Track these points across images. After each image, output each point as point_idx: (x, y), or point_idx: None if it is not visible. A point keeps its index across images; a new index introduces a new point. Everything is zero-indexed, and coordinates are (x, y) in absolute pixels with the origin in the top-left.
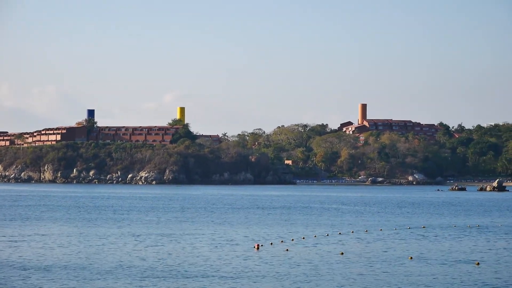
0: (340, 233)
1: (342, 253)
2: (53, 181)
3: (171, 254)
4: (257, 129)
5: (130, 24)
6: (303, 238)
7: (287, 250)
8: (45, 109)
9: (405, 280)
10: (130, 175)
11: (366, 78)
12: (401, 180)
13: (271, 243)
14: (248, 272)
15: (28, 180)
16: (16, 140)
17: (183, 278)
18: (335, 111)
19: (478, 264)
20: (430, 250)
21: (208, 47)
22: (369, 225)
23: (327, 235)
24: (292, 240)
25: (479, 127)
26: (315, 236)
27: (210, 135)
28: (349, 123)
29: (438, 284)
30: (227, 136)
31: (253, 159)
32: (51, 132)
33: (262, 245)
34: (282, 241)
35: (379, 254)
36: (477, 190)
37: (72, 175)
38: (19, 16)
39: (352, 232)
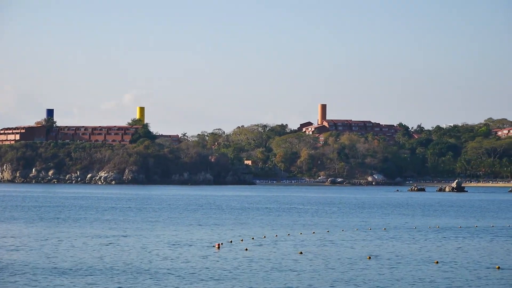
0: (301, 233)
1: (301, 253)
2: (11, 181)
3: (130, 253)
4: (216, 129)
5: (88, 23)
6: (264, 237)
7: (247, 249)
8: (3, 109)
9: (363, 279)
10: (89, 175)
11: (326, 79)
12: (361, 181)
13: (231, 241)
14: (208, 270)
15: None
16: None
17: (141, 277)
18: (295, 112)
19: (437, 262)
20: (390, 250)
21: (168, 46)
22: (330, 226)
23: (288, 235)
24: (253, 239)
25: (438, 128)
26: (276, 236)
27: (169, 135)
28: (309, 124)
29: (396, 283)
30: (187, 136)
31: (212, 159)
32: (10, 131)
33: (222, 244)
34: (242, 240)
35: (339, 253)
36: (436, 191)
37: (31, 174)
38: None
39: (314, 232)
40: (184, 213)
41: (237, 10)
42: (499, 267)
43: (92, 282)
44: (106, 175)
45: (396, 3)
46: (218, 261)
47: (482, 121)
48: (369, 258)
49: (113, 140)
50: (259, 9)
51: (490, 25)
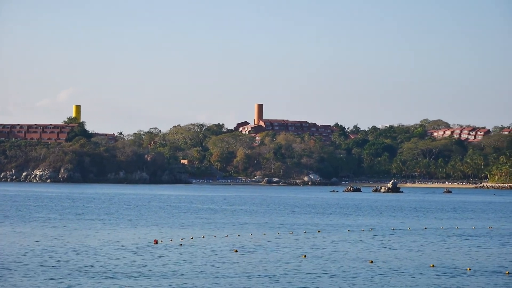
0: (239, 235)
1: (236, 251)
2: None
3: (67, 251)
4: (153, 128)
5: (23, 20)
6: (203, 237)
7: (181, 245)
8: None
9: (295, 276)
10: (24, 173)
11: (263, 78)
12: (297, 181)
13: (171, 240)
14: (144, 267)
15: None
16: None
17: (76, 274)
18: (231, 111)
19: (372, 262)
20: (323, 250)
21: (104, 44)
22: (267, 227)
23: (227, 236)
24: (192, 238)
25: (374, 128)
26: (214, 237)
27: (105, 134)
28: (245, 123)
29: (328, 281)
30: (123, 135)
31: (149, 158)
32: None
33: (161, 241)
34: (182, 240)
35: (275, 253)
36: (372, 191)
37: None
38: None
39: (251, 234)
40: (124, 210)
41: (173, 10)
42: (433, 265)
43: (27, 280)
44: (41, 173)
45: (330, 1)
46: (156, 256)
47: (418, 122)
48: (305, 256)
49: (49, 139)
50: (195, 9)
51: (426, 27)
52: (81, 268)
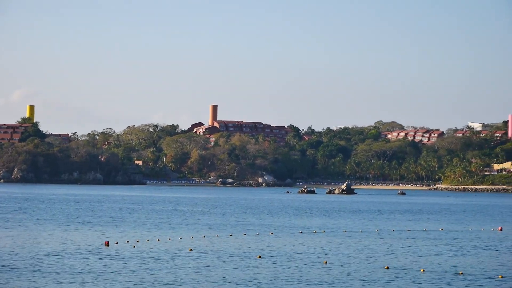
0: (192, 237)
1: (191, 249)
2: None
3: (19, 251)
4: (107, 128)
5: None
6: (158, 240)
7: (134, 246)
8: None
9: (251, 275)
10: None
11: (217, 79)
12: (251, 182)
13: (127, 241)
14: (96, 267)
15: None
16: None
17: (28, 272)
18: (185, 112)
19: (326, 263)
20: (277, 251)
21: (57, 44)
22: (220, 228)
23: (181, 238)
24: (148, 241)
25: (328, 130)
26: (169, 239)
27: (59, 134)
28: (200, 124)
29: (284, 282)
30: (77, 135)
31: (103, 159)
32: None
33: (117, 243)
34: (138, 241)
35: (230, 254)
36: (326, 193)
37: None
38: None
39: (204, 236)
40: (77, 211)
41: (122, 10)
42: (387, 267)
43: None
44: None
45: (284, 4)
46: (108, 257)
47: (372, 124)
48: (260, 257)
49: (2, 139)
50: (146, 9)
51: (378, 28)
52: (31, 269)
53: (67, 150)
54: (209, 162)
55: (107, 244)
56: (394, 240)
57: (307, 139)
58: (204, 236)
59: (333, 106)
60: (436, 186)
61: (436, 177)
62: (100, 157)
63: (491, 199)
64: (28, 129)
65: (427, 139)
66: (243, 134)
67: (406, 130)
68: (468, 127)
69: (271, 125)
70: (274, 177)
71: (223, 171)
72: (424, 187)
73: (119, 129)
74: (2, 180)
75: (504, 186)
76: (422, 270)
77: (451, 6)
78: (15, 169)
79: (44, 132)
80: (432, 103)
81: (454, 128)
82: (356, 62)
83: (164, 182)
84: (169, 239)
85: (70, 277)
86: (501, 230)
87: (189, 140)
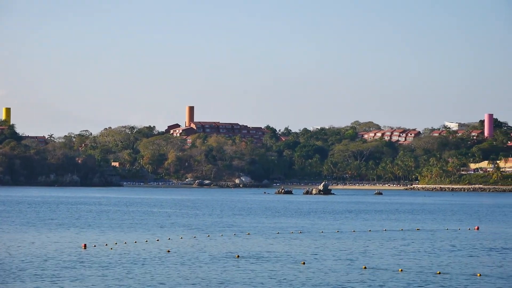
0: (169, 239)
1: (169, 251)
2: None
3: None
4: (84, 130)
5: None
6: (135, 242)
7: (111, 248)
8: None
9: (230, 275)
10: None
11: (194, 81)
12: (228, 183)
13: (106, 244)
14: (73, 270)
15: None
16: None
17: (6, 276)
18: (162, 113)
19: (304, 263)
20: (255, 251)
21: (33, 45)
22: (197, 229)
23: (158, 240)
24: (125, 243)
25: (305, 130)
26: (146, 241)
27: (36, 137)
28: (177, 126)
29: (263, 282)
30: (54, 137)
31: (79, 161)
32: None
33: (95, 246)
34: (116, 243)
35: (207, 254)
36: (303, 193)
37: None
38: None
39: (181, 238)
40: (54, 213)
41: (98, 10)
42: (365, 267)
43: None
44: None
45: (260, 5)
46: (85, 260)
47: (349, 124)
48: (238, 256)
49: None
50: (123, 10)
51: (355, 28)
52: (2, 274)
53: (43, 152)
54: (186, 164)
55: (85, 246)
56: (371, 240)
57: (284, 139)
58: (181, 237)
59: (310, 106)
60: (413, 186)
61: (413, 177)
62: (77, 159)
63: (468, 198)
64: (4, 131)
65: (403, 139)
66: (220, 135)
67: (382, 130)
68: (445, 127)
69: (248, 126)
70: (251, 178)
71: (200, 172)
72: (401, 187)
73: (95, 131)
74: None
75: (481, 186)
76: (400, 270)
77: (429, 5)
78: None
79: (20, 135)
80: (409, 103)
81: (430, 128)
82: (332, 63)
83: (141, 183)
84: (146, 241)
85: (48, 280)
86: (477, 229)
87: (166, 142)
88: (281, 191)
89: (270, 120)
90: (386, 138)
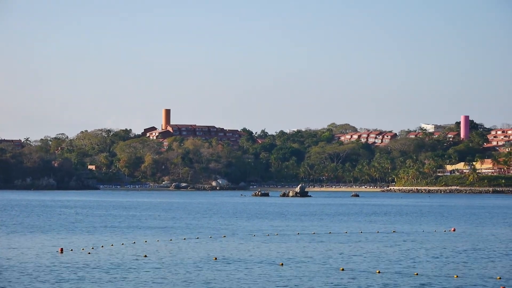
0: (146, 241)
1: (146, 256)
2: None
3: None
4: (60, 134)
5: None
6: (112, 245)
7: (89, 253)
8: None
9: (207, 278)
10: None
11: (170, 83)
12: (205, 185)
13: (83, 249)
14: (50, 275)
15: None
16: None
17: None
18: (138, 116)
19: (282, 264)
20: (232, 254)
21: (8, 48)
22: (173, 232)
23: (134, 243)
24: (102, 247)
25: (282, 133)
26: (122, 244)
27: (12, 140)
28: (153, 128)
29: (241, 284)
30: (30, 141)
31: (56, 164)
32: None
33: (72, 250)
34: (92, 248)
35: (185, 257)
36: (280, 196)
37: None
38: None
39: (158, 241)
40: (31, 217)
41: (74, 13)
42: (342, 269)
43: None
44: None
45: (237, 7)
46: (62, 264)
47: (325, 127)
48: (216, 259)
49: None
50: (100, 14)
51: (330, 32)
52: None
53: (19, 156)
54: (163, 167)
55: (62, 251)
56: (347, 242)
57: (260, 142)
58: (158, 240)
59: (286, 109)
60: (389, 187)
61: (390, 178)
62: (53, 162)
63: (444, 200)
64: None
65: (380, 141)
66: (197, 138)
67: (359, 132)
68: (421, 129)
69: (225, 128)
70: (228, 181)
71: (176, 175)
72: (378, 189)
73: (72, 134)
74: None
75: (457, 187)
76: (377, 271)
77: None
78: None
79: None
80: (385, 105)
81: (406, 129)
82: (308, 65)
83: (118, 186)
84: (122, 244)
85: (23, 285)
86: (454, 230)
87: (143, 145)
88: (258, 194)
89: (247, 122)
90: (363, 140)
